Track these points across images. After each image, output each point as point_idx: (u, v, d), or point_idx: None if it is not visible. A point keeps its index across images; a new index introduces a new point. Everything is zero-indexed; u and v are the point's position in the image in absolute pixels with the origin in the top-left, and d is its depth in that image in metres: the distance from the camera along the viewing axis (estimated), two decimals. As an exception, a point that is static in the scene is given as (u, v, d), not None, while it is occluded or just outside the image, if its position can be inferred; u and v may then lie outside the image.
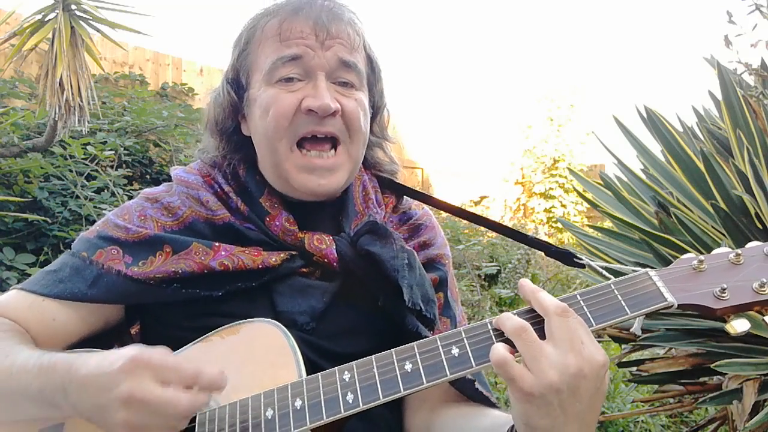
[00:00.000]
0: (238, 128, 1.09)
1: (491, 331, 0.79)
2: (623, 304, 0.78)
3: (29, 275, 2.95)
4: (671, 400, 2.04)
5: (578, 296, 0.80)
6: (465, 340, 0.79)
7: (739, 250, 0.81)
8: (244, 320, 0.95)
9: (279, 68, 0.99)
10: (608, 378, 0.75)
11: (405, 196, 1.21)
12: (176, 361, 0.78)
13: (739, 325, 0.78)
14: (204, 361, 0.94)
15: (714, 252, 0.83)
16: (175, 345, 0.98)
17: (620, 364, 2.12)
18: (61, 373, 0.82)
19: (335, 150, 1.02)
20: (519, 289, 0.81)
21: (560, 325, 0.72)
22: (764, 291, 0.77)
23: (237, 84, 1.07)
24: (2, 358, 0.90)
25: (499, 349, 0.73)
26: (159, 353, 0.78)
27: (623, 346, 2.16)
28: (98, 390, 0.77)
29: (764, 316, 0.79)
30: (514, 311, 0.79)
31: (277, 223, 1.03)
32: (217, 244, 1.01)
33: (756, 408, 1.62)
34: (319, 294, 1.02)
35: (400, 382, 0.78)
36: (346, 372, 0.81)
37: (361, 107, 1.03)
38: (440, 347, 0.79)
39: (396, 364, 0.80)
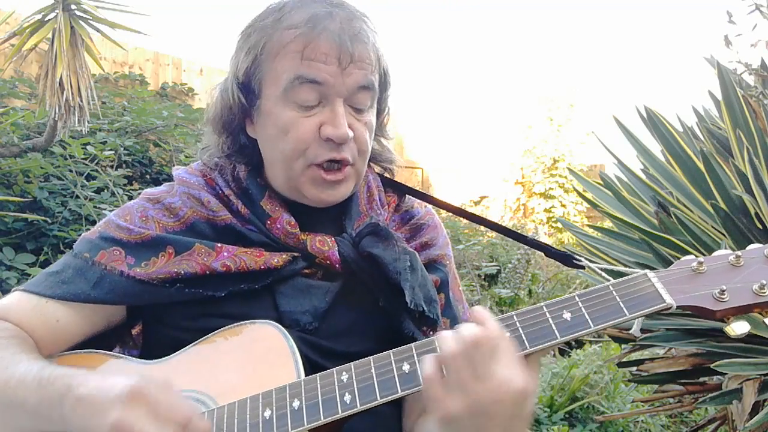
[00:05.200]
0: (244, 128, 1.08)
1: None
2: (621, 305, 0.78)
3: (29, 275, 2.98)
4: (671, 400, 2.04)
5: (576, 297, 0.80)
6: None
7: (739, 252, 0.80)
8: (244, 321, 0.95)
9: (296, 87, 0.97)
10: (532, 404, 0.75)
11: (407, 195, 1.21)
12: (172, 401, 0.77)
13: (738, 327, 0.77)
14: (204, 363, 0.95)
15: (714, 254, 0.83)
16: (176, 346, 0.98)
17: (620, 364, 2.12)
18: (59, 389, 0.82)
19: (342, 165, 1.02)
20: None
21: (477, 354, 0.72)
22: (764, 293, 0.76)
23: (248, 89, 1.04)
24: (1, 370, 0.89)
25: (428, 362, 0.74)
26: (159, 387, 0.77)
27: (623, 346, 2.16)
28: (91, 412, 0.76)
29: (765, 317, 0.78)
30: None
31: (279, 226, 1.03)
32: (219, 245, 1.01)
33: (756, 408, 1.62)
34: (322, 294, 1.02)
35: (397, 382, 0.79)
36: (344, 373, 0.82)
37: (368, 129, 1.04)
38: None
39: (394, 365, 0.80)
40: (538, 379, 0.78)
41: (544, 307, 0.80)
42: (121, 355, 1.04)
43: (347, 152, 1.00)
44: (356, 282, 1.03)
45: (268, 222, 1.03)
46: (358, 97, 1.00)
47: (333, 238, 1.04)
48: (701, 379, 1.88)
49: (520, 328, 0.79)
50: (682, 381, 1.88)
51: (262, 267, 0.99)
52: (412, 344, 0.81)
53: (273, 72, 1.00)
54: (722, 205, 1.76)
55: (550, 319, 0.78)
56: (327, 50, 0.96)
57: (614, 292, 0.79)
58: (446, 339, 0.75)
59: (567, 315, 0.78)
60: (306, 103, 0.98)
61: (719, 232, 1.81)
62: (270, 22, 1.00)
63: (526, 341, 0.78)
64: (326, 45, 0.96)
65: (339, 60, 0.96)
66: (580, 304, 0.79)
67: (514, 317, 0.80)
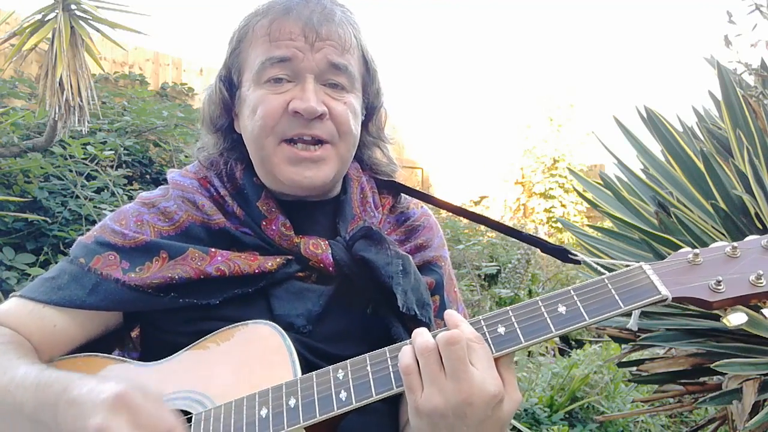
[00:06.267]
0: (232, 125, 1.10)
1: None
2: (617, 297, 0.78)
3: (29, 275, 2.98)
4: (671, 400, 2.04)
5: (572, 291, 0.80)
6: None
7: (735, 244, 0.80)
8: (240, 322, 0.95)
9: (267, 69, 1.00)
10: (506, 410, 0.76)
11: (403, 195, 1.20)
12: (156, 410, 0.77)
13: (735, 318, 0.77)
14: (201, 363, 0.95)
15: (710, 246, 0.82)
16: (174, 348, 0.98)
17: (620, 364, 2.11)
18: (56, 391, 0.82)
19: (321, 144, 1.02)
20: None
21: (451, 353, 0.74)
22: (761, 283, 0.75)
23: (229, 82, 1.08)
24: (0, 374, 0.89)
25: (405, 353, 0.76)
26: (146, 395, 0.78)
27: (623, 346, 2.15)
28: (79, 415, 0.77)
29: (762, 308, 0.78)
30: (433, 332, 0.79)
31: (274, 228, 1.03)
32: (213, 249, 1.01)
33: (756, 408, 1.62)
34: (316, 297, 1.02)
35: (392, 379, 0.79)
36: (339, 370, 0.82)
37: (350, 109, 1.03)
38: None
39: (389, 362, 0.80)
40: (516, 385, 0.79)
41: (539, 302, 0.80)
42: (120, 357, 1.04)
43: (320, 130, 1.00)
44: (350, 285, 1.03)
45: (264, 223, 1.03)
46: (331, 75, 1.01)
47: (326, 242, 1.03)
48: (701, 379, 1.88)
49: (515, 323, 0.79)
50: (682, 381, 1.88)
51: (257, 271, 1.00)
52: (407, 341, 0.81)
53: (247, 60, 1.04)
54: (722, 205, 1.76)
55: (545, 313, 0.79)
56: (293, 28, 0.99)
57: (609, 285, 0.79)
58: (421, 333, 0.77)
59: (562, 308, 0.78)
60: (275, 76, 0.99)
61: (719, 232, 1.81)
62: (247, 16, 1.05)
63: (521, 335, 0.78)
64: (292, 24, 0.99)
65: (305, 36, 0.99)
66: (575, 297, 0.79)
67: (509, 312, 0.80)
